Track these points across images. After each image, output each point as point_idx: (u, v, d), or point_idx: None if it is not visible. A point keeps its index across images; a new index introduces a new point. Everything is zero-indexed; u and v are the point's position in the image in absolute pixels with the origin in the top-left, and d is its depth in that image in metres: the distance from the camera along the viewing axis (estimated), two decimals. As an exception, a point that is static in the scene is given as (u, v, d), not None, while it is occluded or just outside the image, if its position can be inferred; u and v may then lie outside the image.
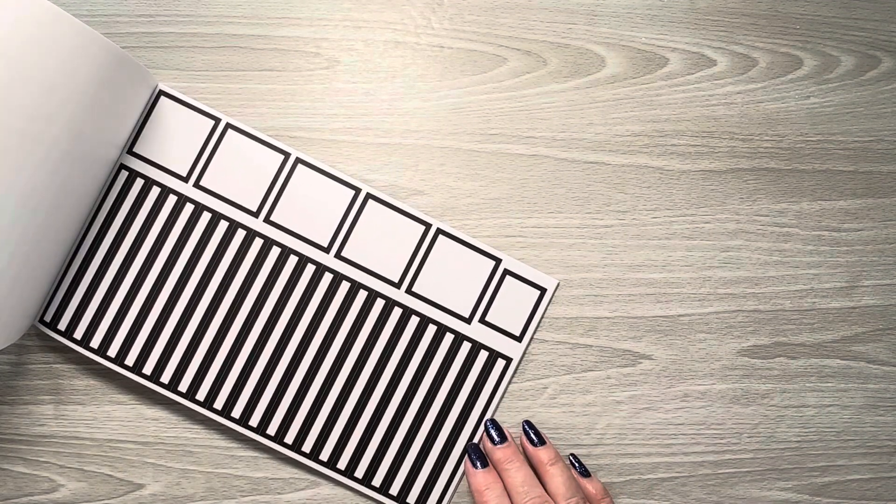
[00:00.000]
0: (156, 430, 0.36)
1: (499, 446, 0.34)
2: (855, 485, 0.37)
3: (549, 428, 0.36)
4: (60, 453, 0.35)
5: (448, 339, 0.35)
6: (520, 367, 0.36)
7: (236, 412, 0.35)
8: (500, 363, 0.35)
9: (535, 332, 0.36)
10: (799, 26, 0.38)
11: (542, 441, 0.35)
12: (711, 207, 0.37)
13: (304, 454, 0.35)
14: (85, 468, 0.35)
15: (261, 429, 0.35)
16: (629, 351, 0.36)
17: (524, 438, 0.35)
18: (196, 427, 0.36)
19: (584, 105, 0.37)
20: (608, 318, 0.37)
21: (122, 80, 0.32)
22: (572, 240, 0.37)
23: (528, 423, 0.35)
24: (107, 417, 0.35)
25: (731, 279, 0.37)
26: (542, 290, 0.36)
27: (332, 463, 0.35)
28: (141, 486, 0.35)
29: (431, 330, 0.35)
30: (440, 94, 0.37)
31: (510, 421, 0.36)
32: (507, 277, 0.36)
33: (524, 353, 0.36)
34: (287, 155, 0.35)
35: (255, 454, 0.36)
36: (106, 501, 0.35)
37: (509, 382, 0.36)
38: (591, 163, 0.37)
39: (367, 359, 0.35)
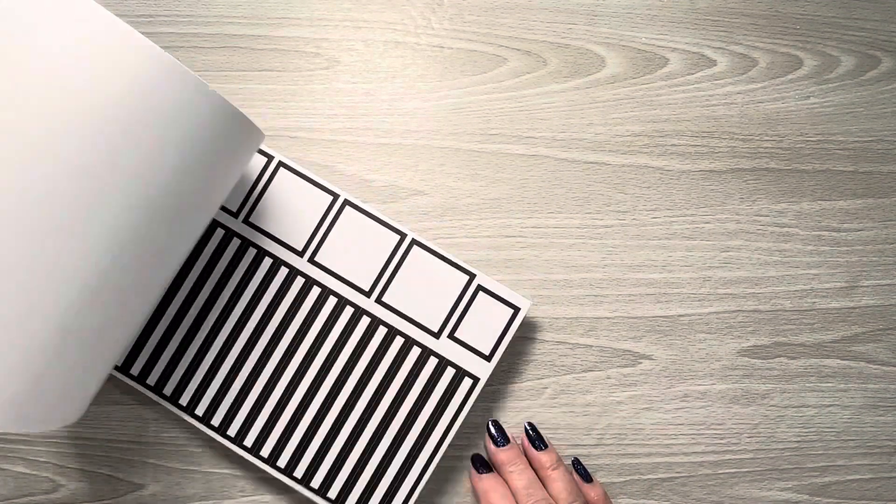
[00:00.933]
0: (156, 430, 0.36)
1: (502, 448, 0.34)
2: (855, 485, 0.36)
3: (549, 428, 0.36)
4: (60, 453, 0.35)
5: (415, 352, 0.34)
6: (519, 369, 0.36)
7: (199, 410, 0.34)
8: (467, 382, 0.34)
9: (503, 352, 0.35)
10: (799, 26, 0.38)
11: (544, 444, 0.35)
12: (711, 207, 0.37)
13: (261, 458, 0.34)
14: (85, 468, 0.35)
15: (221, 429, 0.34)
16: (629, 351, 0.36)
17: (526, 440, 0.35)
18: (196, 427, 0.36)
19: (584, 105, 0.37)
20: (608, 318, 0.37)
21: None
22: (572, 240, 0.37)
23: (530, 425, 0.35)
24: (107, 417, 0.35)
25: (731, 279, 0.37)
26: (516, 310, 0.34)
27: (288, 470, 0.34)
28: (141, 486, 0.35)
29: (398, 342, 0.34)
30: (440, 95, 0.37)
31: (510, 421, 0.36)
32: (480, 294, 0.34)
33: (492, 373, 0.35)
34: (270, 158, 0.35)
35: (255, 454, 0.36)
36: (106, 501, 0.35)
37: (475, 402, 0.34)
38: (591, 163, 0.37)
39: (332, 367, 0.34)
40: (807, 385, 0.37)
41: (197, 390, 0.34)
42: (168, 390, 0.34)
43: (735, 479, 0.36)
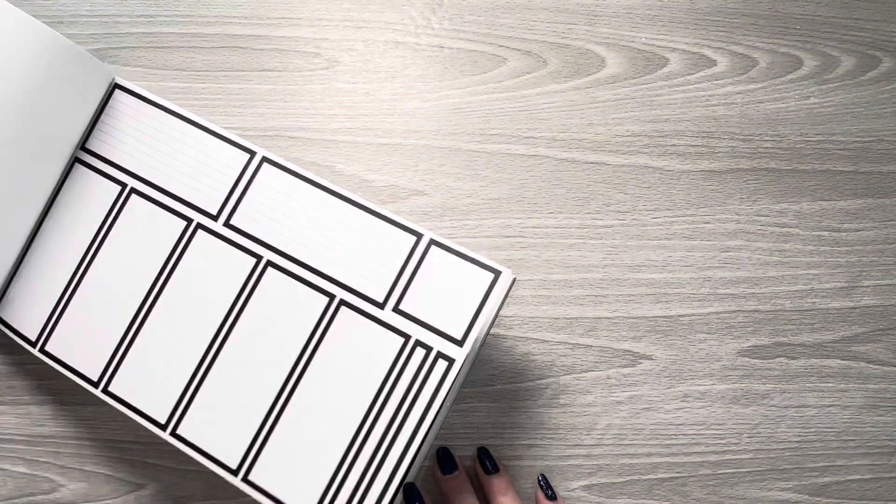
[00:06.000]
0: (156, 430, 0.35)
1: (449, 476, 0.34)
2: (855, 485, 0.36)
3: (549, 428, 0.36)
4: (60, 453, 0.35)
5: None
6: (519, 369, 0.36)
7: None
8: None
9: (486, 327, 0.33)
10: (799, 26, 0.38)
11: (496, 468, 0.34)
12: (711, 207, 0.37)
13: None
14: (85, 468, 0.35)
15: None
16: (629, 351, 0.36)
17: (478, 466, 0.34)
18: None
19: (584, 105, 0.37)
20: (608, 318, 0.37)
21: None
22: (572, 240, 0.37)
23: (483, 450, 0.35)
24: (107, 417, 0.35)
25: (731, 279, 0.37)
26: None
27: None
28: (141, 486, 0.35)
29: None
30: (440, 94, 0.37)
31: (509, 422, 0.36)
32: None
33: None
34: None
35: (255, 454, 0.36)
36: (106, 501, 0.35)
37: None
38: (591, 163, 0.37)
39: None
40: (807, 385, 0.37)
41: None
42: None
43: (735, 479, 0.36)
